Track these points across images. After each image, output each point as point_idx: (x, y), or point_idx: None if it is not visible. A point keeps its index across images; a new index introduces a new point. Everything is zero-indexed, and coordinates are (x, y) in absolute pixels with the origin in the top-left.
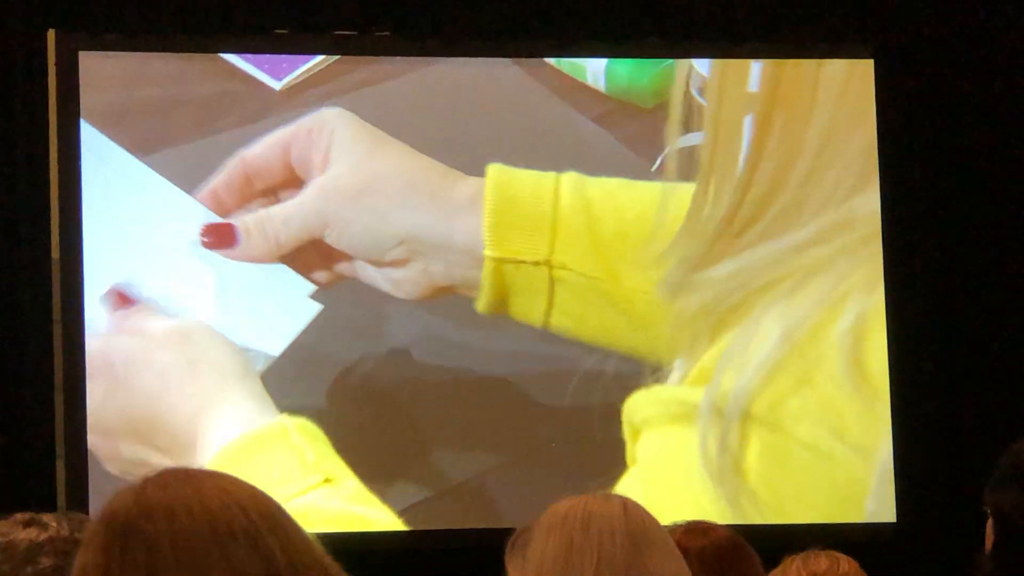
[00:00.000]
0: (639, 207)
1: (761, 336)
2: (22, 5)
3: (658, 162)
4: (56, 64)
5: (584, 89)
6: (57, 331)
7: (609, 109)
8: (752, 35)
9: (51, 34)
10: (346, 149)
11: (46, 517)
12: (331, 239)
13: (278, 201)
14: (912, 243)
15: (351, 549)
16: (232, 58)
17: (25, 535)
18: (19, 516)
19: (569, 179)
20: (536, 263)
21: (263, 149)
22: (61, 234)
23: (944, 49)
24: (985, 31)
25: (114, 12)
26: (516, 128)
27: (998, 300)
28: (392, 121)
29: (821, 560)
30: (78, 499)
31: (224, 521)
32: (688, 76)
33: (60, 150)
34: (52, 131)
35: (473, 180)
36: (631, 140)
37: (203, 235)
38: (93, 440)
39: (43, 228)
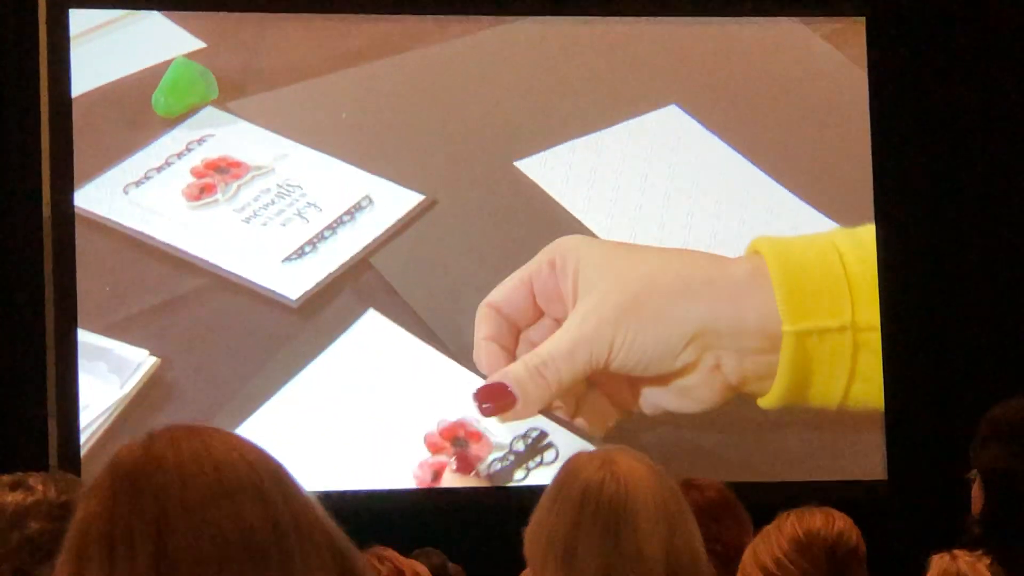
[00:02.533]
0: None
1: None
2: None
3: None
4: (47, 21)
5: None
6: (49, 287)
7: None
8: None
9: None
10: (601, 269)
11: (32, 479)
12: (617, 362)
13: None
14: (905, 207)
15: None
16: None
17: (12, 499)
18: (5, 478)
19: (843, 235)
20: (842, 328)
21: (507, 292)
22: (52, 192)
23: (938, 8)
24: None
25: None
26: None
27: (990, 261)
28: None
29: (816, 517)
30: (70, 457)
31: (232, 476)
32: None
33: (51, 107)
34: (43, 89)
35: (741, 259)
36: None
37: (480, 402)
38: None
39: (35, 186)
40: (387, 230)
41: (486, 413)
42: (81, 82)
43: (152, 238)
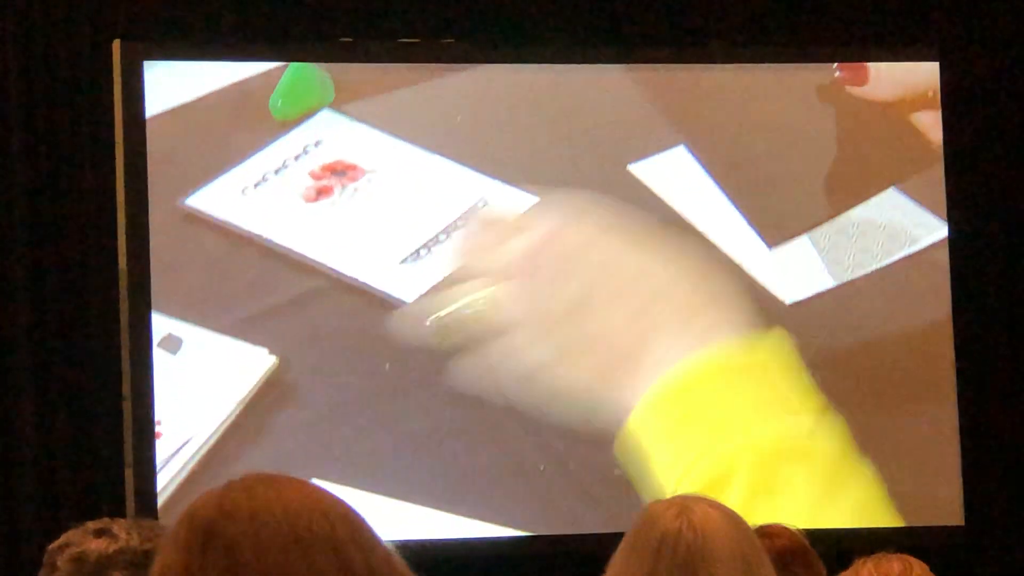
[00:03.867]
0: None
1: None
2: (87, 16)
3: None
4: (121, 74)
5: None
6: (124, 339)
7: None
8: (816, 39)
9: (116, 44)
10: None
11: (116, 527)
12: None
13: None
14: (980, 249)
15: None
16: None
17: (96, 546)
18: (90, 525)
19: None
20: None
21: None
22: (128, 244)
23: (1014, 48)
24: None
25: (177, 21)
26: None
27: None
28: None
29: (893, 564)
30: (147, 508)
31: (305, 526)
32: None
33: (126, 159)
34: (119, 140)
35: None
36: None
37: (842, 70)
38: None
39: (110, 237)
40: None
41: (840, 78)
42: (201, 85)
43: (270, 240)
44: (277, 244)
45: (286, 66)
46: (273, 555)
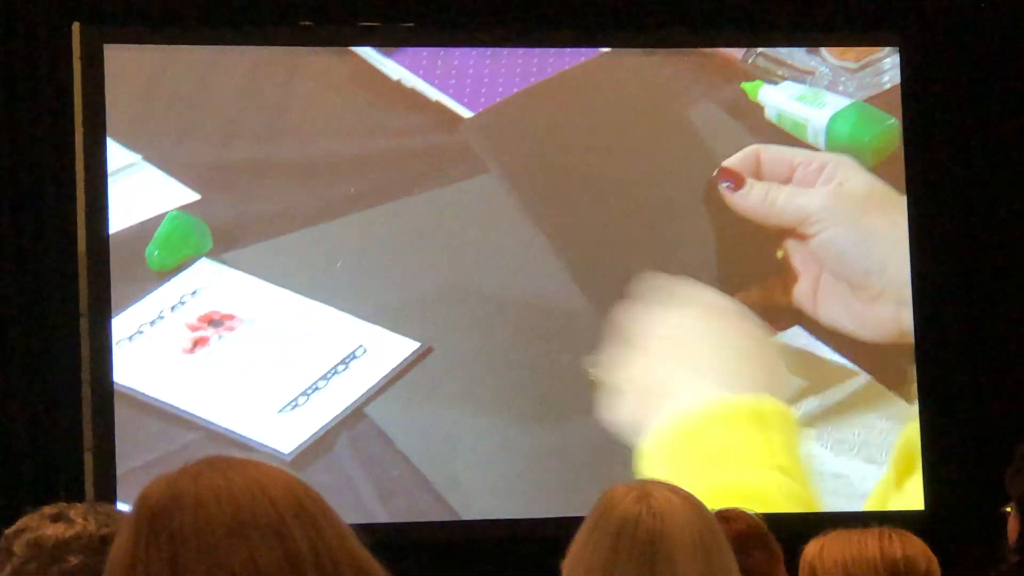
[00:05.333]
0: None
1: None
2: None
3: None
4: (81, 57)
5: (803, 145)
6: (84, 325)
7: None
8: (777, 24)
9: (76, 27)
10: (854, 173)
11: (73, 512)
12: (817, 239)
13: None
14: (939, 231)
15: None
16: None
17: (52, 531)
18: (46, 509)
19: None
20: None
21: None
22: (87, 228)
23: (971, 35)
24: (1013, 16)
25: (138, 4)
26: None
27: None
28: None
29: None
30: (105, 492)
31: (249, 512)
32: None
33: (86, 145)
34: (78, 125)
35: None
36: None
37: (719, 174)
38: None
39: (70, 222)
40: (382, 379)
41: (715, 179)
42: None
43: (144, 394)
44: (152, 398)
45: (163, 215)
46: (214, 543)
